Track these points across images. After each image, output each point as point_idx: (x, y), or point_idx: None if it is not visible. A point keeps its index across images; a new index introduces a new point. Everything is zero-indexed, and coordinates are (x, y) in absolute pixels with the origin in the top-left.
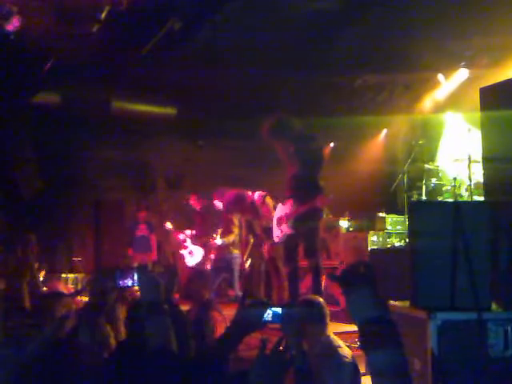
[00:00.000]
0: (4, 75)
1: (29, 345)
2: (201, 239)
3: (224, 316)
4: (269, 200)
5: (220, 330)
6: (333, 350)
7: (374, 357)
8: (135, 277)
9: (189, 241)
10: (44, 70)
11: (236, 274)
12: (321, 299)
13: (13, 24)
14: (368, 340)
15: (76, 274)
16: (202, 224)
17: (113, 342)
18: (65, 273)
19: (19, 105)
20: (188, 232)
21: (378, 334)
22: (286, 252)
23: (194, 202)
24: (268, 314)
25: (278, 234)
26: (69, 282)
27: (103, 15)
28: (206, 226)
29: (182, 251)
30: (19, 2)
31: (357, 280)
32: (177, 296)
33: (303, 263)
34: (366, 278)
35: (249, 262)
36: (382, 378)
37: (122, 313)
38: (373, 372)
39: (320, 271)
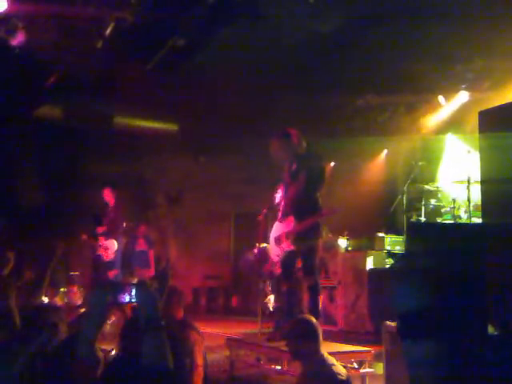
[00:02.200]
0: (8, 88)
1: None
2: (112, 233)
3: (202, 335)
4: None
5: (199, 348)
6: (327, 367)
7: (412, 345)
8: (133, 292)
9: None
10: (48, 84)
11: None
12: (313, 318)
13: (18, 39)
14: (407, 328)
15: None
16: (114, 218)
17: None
18: (63, 287)
19: (23, 117)
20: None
21: (418, 324)
22: (285, 269)
23: (107, 197)
24: None
25: (277, 252)
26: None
27: (108, 31)
28: (117, 219)
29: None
30: (24, 17)
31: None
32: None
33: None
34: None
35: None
36: (418, 367)
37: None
38: (409, 361)
39: (318, 290)
